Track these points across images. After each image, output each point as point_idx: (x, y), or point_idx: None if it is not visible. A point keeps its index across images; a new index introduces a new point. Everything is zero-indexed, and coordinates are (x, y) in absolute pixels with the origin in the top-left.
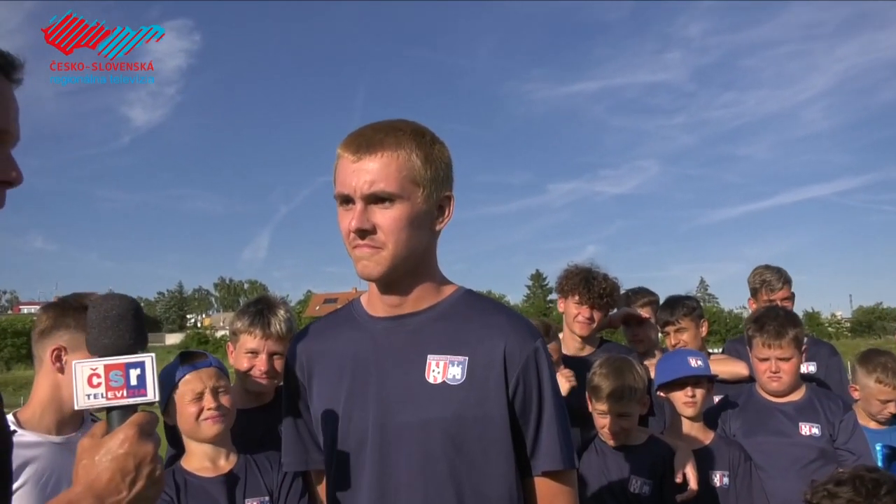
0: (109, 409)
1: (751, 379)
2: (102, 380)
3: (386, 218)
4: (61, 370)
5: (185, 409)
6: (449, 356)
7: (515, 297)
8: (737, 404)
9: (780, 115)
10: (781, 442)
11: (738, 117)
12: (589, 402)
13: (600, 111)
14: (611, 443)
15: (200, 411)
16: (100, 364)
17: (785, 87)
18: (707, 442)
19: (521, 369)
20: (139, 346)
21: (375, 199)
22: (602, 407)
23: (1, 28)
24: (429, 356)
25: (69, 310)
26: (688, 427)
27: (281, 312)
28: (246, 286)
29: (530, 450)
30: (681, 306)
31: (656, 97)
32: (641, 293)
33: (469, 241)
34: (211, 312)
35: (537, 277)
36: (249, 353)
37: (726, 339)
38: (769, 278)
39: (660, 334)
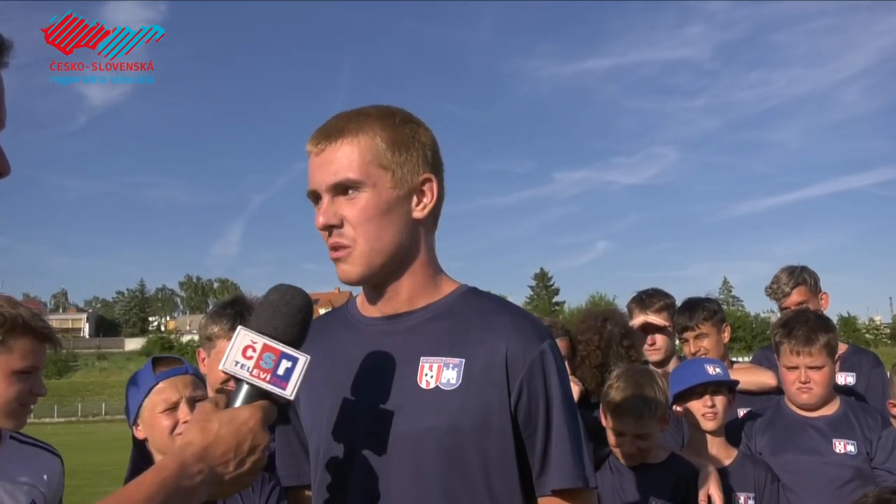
0: (241, 384)
1: (779, 390)
2: (256, 356)
3: (352, 208)
4: None
5: (158, 421)
6: (443, 358)
7: (518, 297)
8: (763, 419)
9: (814, 97)
10: (813, 461)
11: (767, 99)
12: (603, 417)
13: (613, 92)
14: (624, 463)
15: (175, 424)
16: (262, 340)
17: (819, 65)
18: (729, 461)
19: (526, 374)
20: (298, 344)
21: (341, 189)
22: (617, 426)
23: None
24: (422, 359)
25: None
26: (708, 443)
27: None
28: (215, 285)
29: (538, 466)
30: (700, 309)
31: (676, 76)
32: (657, 296)
33: (466, 236)
34: (176, 314)
35: (542, 276)
36: None
37: (752, 346)
38: (777, 284)
39: (677, 341)
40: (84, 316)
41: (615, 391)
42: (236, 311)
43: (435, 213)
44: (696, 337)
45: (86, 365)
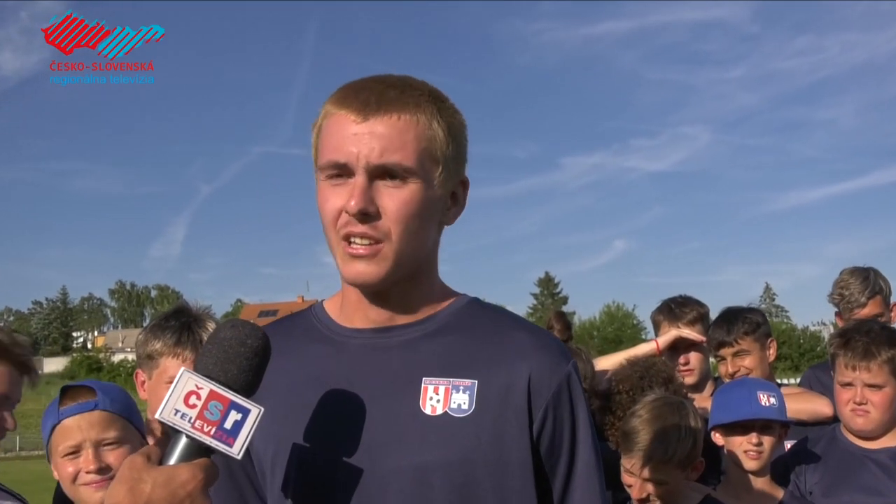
0: (179, 436)
1: (835, 420)
2: (200, 404)
3: (395, 200)
4: None
5: (62, 466)
6: (452, 380)
7: (519, 307)
8: (815, 453)
9: (873, 67)
10: (873, 503)
11: (817, 69)
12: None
13: (632, 60)
14: None
15: (77, 473)
16: (209, 386)
17: (879, 28)
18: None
19: (552, 400)
20: (250, 393)
21: (384, 173)
22: (628, 463)
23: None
24: (424, 379)
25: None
26: (749, 483)
27: (212, 327)
28: (153, 294)
29: (559, 502)
30: (741, 322)
31: (708, 42)
32: (689, 305)
33: (455, 234)
34: (105, 329)
35: (547, 282)
36: None
37: (799, 365)
38: (849, 291)
39: (712, 359)
40: None
41: (635, 419)
42: (182, 322)
43: None
44: (736, 354)
45: None
